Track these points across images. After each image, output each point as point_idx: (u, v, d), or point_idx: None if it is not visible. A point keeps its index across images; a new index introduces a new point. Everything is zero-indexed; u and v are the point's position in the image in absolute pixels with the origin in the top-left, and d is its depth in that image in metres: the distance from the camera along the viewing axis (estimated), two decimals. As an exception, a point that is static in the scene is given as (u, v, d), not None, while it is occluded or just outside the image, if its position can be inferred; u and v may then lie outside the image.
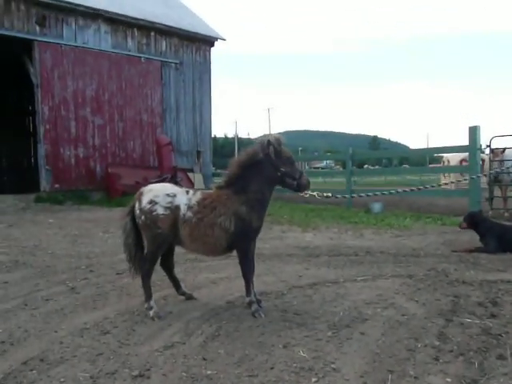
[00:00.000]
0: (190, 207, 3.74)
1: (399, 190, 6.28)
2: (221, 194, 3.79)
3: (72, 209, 13.13)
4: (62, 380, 2.74)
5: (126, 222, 3.95)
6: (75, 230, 8.83)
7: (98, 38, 16.14)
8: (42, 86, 14.98)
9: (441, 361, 2.93)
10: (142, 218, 3.79)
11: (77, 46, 15.64)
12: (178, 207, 3.74)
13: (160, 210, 3.73)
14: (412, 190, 7.40)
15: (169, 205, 3.74)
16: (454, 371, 2.79)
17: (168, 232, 3.77)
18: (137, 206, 3.85)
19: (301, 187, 3.91)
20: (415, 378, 2.71)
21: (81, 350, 3.16)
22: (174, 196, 3.78)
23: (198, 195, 3.83)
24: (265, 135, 3.83)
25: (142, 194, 3.89)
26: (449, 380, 2.68)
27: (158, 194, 3.80)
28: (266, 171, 3.75)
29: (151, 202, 3.76)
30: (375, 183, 35.74)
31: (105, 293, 4.58)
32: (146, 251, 3.92)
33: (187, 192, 3.88)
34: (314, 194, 4.71)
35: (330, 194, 5.08)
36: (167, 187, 3.93)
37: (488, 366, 2.85)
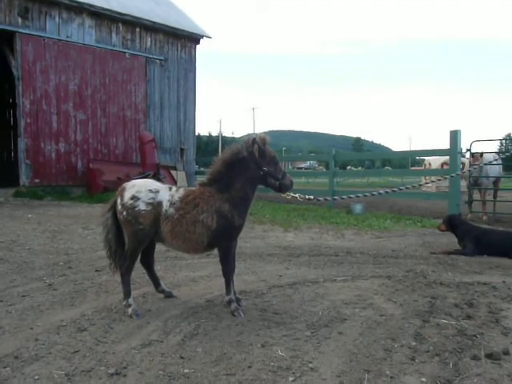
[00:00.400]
0: (172, 204, 3.72)
1: (381, 191, 6.26)
2: (204, 191, 3.78)
3: (52, 204, 12.92)
4: (37, 377, 2.70)
5: (107, 218, 3.90)
6: (54, 225, 8.71)
7: (82, 32, 15.92)
8: (23, 78, 14.73)
9: (417, 361, 2.97)
10: (124, 213, 3.75)
11: (60, 40, 15.41)
12: (160, 203, 3.72)
13: (142, 206, 3.70)
14: (394, 190, 7.40)
15: (151, 201, 3.71)
16: (430, 371, 2.83)
17: (149, 228, 3.74)
18: (119, 201, 3.81)
19: (283, 188, 3.90)
20: (391, 377, 2.74)
21: (56, 348, 3.12)
22: (157, 192, 3.76)
23: (181, 192, 3.82)
24: (250, 134, 3.83)
25: (124, 189, 3.85)
26: (424, 380, 2.71)
27: (140, 189, 3.76)
28: (249, 170, 3.75)
29: (133, 197, 3.73)
30: (358, 184, 36.01)
31: (83, 290, 4.53)
32: (126, 248, 3.88)
33: (170, 188, 3.86)
34: (296, 195, 4.72)
35: (311, 197, 5.08)
36: (150, 183, 3.89)
37: (462, 367, 2.89)
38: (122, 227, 3.84)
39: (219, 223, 3.68)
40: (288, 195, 4.31)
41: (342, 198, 6.21)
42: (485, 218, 10.81)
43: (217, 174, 3.80)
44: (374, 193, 6.72)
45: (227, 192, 3.72)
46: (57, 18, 15.29)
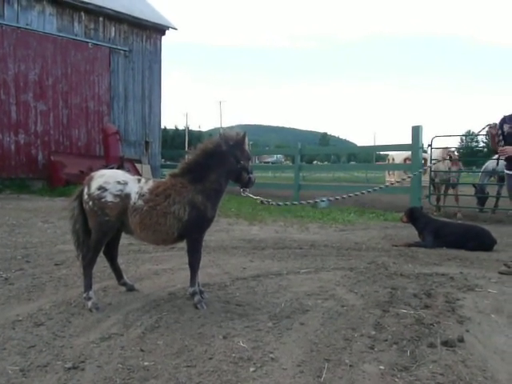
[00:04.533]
0: (141, 195, 3.66)
1: (351, 194, 6.08)
2: (175, 182, 3.74)
3: (10, 198, 12.51)
4: (-11, 374, 2.61)
5: (74, 207, 3.82)
6: (13, 219, 8.43)
7: (43, 20, 15.40)
8: (-21, 67, 14.17)
9: (376, 349, 3.03)
10: (90, 203, 3.67)
11: (19, 27, 14.85)
12: (128, 195, 3.66)
13: (109, 198, 3.63)
14: (369, 191, 7.19)
15: (119, 192, 3.65)
16: (388, 359, 2.89)
17: (115, 220, 3.69)
18: (85, 191, 3.73)
19: (249, 183, 3.96)
20: (350, 366, 2.78)
21: (11, 343, 3.03)
22: (125, 184, 3.70)
23: (150, 183, 3.77)
24: (229, 128, 3.86)
25: (92, 178, 3.77)
26: (382, 368, 2.77)
27: (108, 180, 3.69)
28: (227, 163, 3.77)
29: (101, 188, 3.65)
30: (323, 179, 36.43)
31: (41, 284, 4.40)
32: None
33: (139, 180, 3.81)
34: (258, 198, 4.58)
35: (273, 203, 4.94)
36: (119, 174, 3.82)
37: (419, 354, 2.96)
38: (88, 217, 3.76)
39: (191, 215, 3.65)
40: (247, 195, 4.17)
41: (308, 203, 6.04)
42: (459, 214, 11.00)
43: (193, 164, 3.77)
44: (345, 196, 6.57)
45: (200, 183, 3.71)
46: (15, 5, 14.74)
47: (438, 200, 11.87)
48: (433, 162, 11.23)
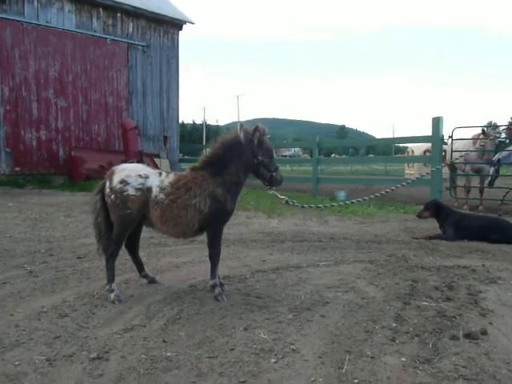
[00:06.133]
0: (162, 189, 3.72)
1: (383, 192, 5.95)
2: (196, 175, 3.78)
3: (33, 193, 12.73)
4: (17, 363, 2.68)
5: (96, 201, 3.89)
6: (35, 213, 8.59)
7: (62, 17, 15.58)
8: (1, 64, 14.38)
9: (397, 341, 3.02)
10: (112, 197, 3.73)
11: (39, 25, 15.06)
12: (149, 189, 3.71)
13: (131, 191, 3.69)
14: (396, 188, 7.15)
15: (140, 186, 3.71)
16: (409, 351, 2.87)
17: (136, 213, 3.75)
18: (107, 184, 3.80)
19: (273, 181, 3.94)
20: (372, 357, 2.78)
21: (37, 333, 3.10)
22: (147, 177, 3.75)
23: (171, 177, 3.82)
24: (248, 124, 3.84)
25: (113, 172, 3.84)
26: (404, 359, 2.75)
27: (130, 174, 3.75)
28: (244, 156, 3.78)
29: (122, 181, 3.71)
30: (341, 172, 36.19)
31: (64, 276, 4.49)
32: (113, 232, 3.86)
33: (160, 174, 3.86)
34: (284, 198, 4.70)
35: (298, 204, 5.03)
36: (140, 168, 3.88)
37: (441, 347, 2.94)
38: (109, 211, 3.82)
39: (212, 207, 3.69)
40: (274, 192, 4.27)
41: (332, 206, 5.89)
42: (480, 207, 10.71)
43: (214, 157, 3.81)
44: (377, 194, 6.49)
45: (220, 176, 3.74)
46: (35, 3, 14.93)
47: (468, 192, 11.32)
48: (462, 153, 10.73)
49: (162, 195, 3.70)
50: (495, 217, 7.74)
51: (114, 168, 3.92)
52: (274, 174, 3.90)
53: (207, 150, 4.00)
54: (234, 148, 3.77)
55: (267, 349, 2.88)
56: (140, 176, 3.74)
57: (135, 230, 4.00)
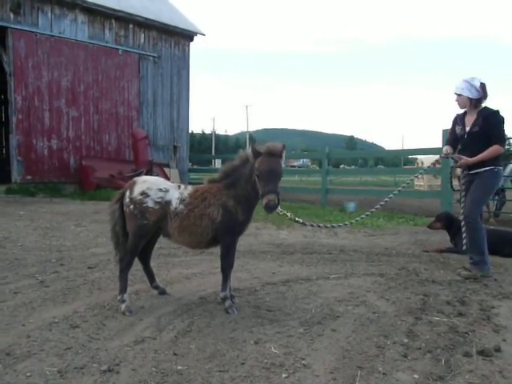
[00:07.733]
0: (182, 200, 3.81)
1: (382, 203, 5.84)
2: (212, 186, 3.89)
3: (44, 201, 12.83)
4: (29, 374, 2.68)
5: (115, 210, 3.95)
6: (46, 222, 8.65)
7: (75, 28, 15.80)
8: (15, 74, 14.60)
9: (409, 358, 2.99)
10: (131, 207, 3.80)
11: (52, 36, 15.28)
12: (168, 202, 3.79)
13: (150, 203, 3.76)
14: (397, 191, 7.03)
15: (159, 200, 3.78)
16: (422, 368, 2.84)
17: (153, 224, 3.81)
18: (127, 194, 3.87)
19: (266, 205, 3.49)
20: (384, 374, 2.75)
21: (49, 344, 3.10)
22: (166, 191, 3.83)
23: (190, 189, 3.93)
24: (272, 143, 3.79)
25: (134, 183, 3.92)
26: (416, 376, 2.72)
27: (151, 187, 3.83)
28: (248, 171, 3.78)
29: (143, 193, 3.79)
30: (350, 183, 36.10)
31: (75, 287, 4.50)
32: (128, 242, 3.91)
33: (179, 187, 3.95)
34: (288, 214, 4.71)
35: (307, 223, 5.04)
36: (161, 181, 3.98)
37: (454, 363, 2.91)
38: (126, 220, 3.89)
39: (224, 217, 3.75)
40: (281, 211, 4.40)
41: (346, 225, 5.79)
42: (491, 220, 10.57)
43: (228, 171, 3.90)
44: (382, 203, 6.38)
45: (233, 189, 3.81)
46: (49, 14, 15.18)
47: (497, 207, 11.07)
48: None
49: (181, 206, 3.79)
50: (508, 230, 7.65)
51: (136, 179, 4.01)
52: (263, 194, 3.51)
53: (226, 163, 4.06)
54: (243, 164, 3.83)
55: (278, 363, 2.86)
56: (160, 190, 3.82)
57: (150, 239, 4.06)
